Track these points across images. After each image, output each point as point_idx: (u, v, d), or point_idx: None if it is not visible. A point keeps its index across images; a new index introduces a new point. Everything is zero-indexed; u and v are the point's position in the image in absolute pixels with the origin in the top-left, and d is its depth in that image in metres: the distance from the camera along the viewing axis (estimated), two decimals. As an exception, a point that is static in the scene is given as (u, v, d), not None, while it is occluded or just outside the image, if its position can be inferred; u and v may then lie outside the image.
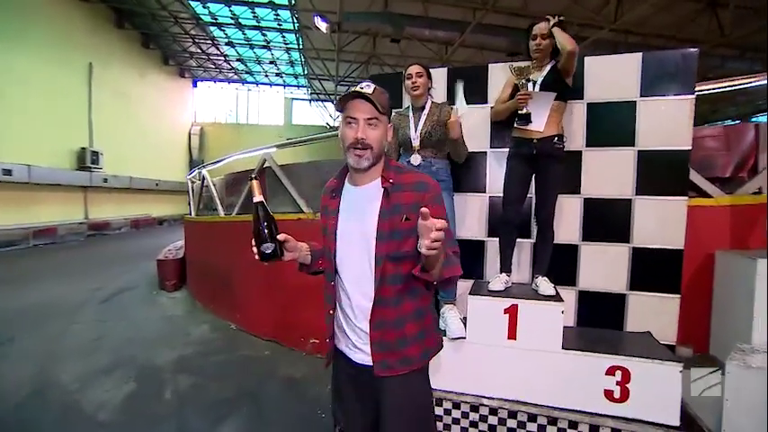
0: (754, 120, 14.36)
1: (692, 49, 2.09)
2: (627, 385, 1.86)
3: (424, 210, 0.93)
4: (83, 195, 12.58)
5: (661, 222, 2.16)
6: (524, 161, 2.15)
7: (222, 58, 17.60)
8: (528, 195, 2.25)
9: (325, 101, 18.42)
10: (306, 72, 16.13)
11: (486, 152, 2.51)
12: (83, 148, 12.32)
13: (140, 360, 3.43)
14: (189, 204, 6.45)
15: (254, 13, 12.84)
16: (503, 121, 2.29)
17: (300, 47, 13.29)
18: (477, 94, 2.47)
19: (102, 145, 12.95)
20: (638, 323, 2.22)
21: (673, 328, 2.16)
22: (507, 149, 2.28)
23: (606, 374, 1.89)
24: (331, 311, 1.26)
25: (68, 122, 11.91)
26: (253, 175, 1.15)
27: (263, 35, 14.68)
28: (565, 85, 2.07)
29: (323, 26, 8.45)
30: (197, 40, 15.56)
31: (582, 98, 2.26)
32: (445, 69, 2.59)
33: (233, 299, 4.38)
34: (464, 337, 2.07)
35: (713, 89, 2.56)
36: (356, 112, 1.12)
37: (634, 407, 1.85)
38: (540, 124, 2.07)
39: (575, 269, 2.34)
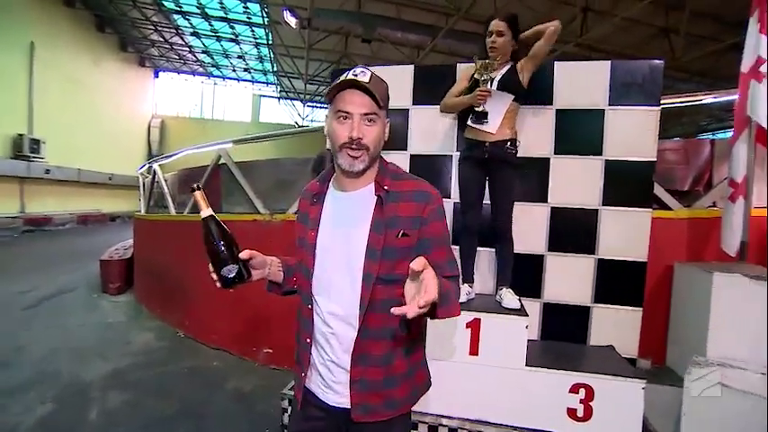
0: (700, 138, 15.52)
1: (657, 61, 2.07)
2: (590, 403, 1.78)
3: (415, 265, 0.72)
4: (18, 187, 11.38)
5: (626, 234, 2.12)
6: (476, 164, 2.04)
7: (187, 48, 16.77)
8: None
9: (294, 99, 17.99)
10: (275, 69, 15.67)
11: (451, 155, 2.39)
12: (20, 135, 11.11)
13: (65, 375, 3.01)
14: (139, 201, 5.97)
15: (222, 3, 12.30)
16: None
17: (270, 42, 12.86)
18: (444, 94, 2.34)
19: (44, 133, 11.79)
20: (602, 336, 2.17)
21: (635, 341, 2.12)
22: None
23: (570, 392, 1.80)
24: (308, 340, 1.02)
25: (3, 106, 10.71)
26: (195, 185, 0.96)
27: (232, 27, 14.11)
28: (520, 87, 1.99)
29: (292, 21, 8.16)
30: (159, 28, 14.69)
31: (551, 104, 2.19)
32: (411, 68, 2.45)
33: (183, 304, 4.03)
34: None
35: (672, 103, 2.59)
36: (350, 105, 0.91)
37: (597, 425, 1.78)
38: (494, 126, 1.97)
39: (540, 280, 2.26)
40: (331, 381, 0.99)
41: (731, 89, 2.36)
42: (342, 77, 0.91)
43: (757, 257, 2.23)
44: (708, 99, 2.42)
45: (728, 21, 7.73)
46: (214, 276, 0.93)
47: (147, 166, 5.41)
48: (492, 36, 1.95)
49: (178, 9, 12.79)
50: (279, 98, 19.40)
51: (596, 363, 1.92)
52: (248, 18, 13.04)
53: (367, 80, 0.89)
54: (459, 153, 2.36)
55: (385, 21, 8.59)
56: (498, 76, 1.98)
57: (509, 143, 1.98)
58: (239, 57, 17.16)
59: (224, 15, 13.12)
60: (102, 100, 15.25)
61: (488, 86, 1.92)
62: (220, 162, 3.68)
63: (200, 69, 19.70)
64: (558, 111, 2.19)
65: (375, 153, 0.95)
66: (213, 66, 19.04)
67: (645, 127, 2.08)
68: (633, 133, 2.09)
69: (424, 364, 1.09)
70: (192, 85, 20.64)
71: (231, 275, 0.92)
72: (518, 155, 2.02)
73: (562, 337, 2.22)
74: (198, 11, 12.80)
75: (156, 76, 20.02)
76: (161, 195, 4.89)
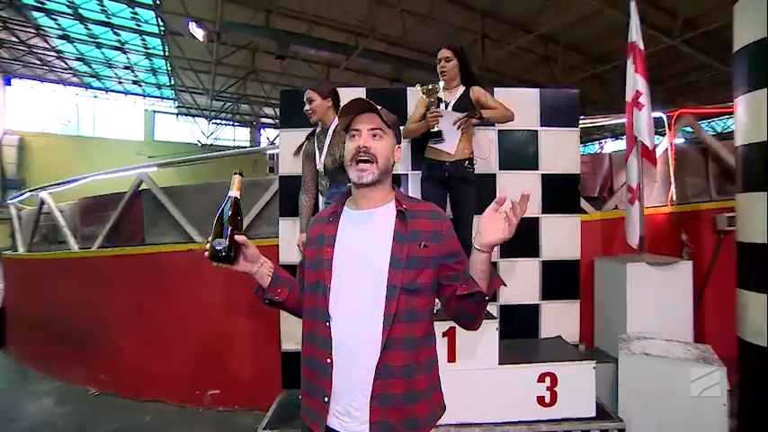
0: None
1: (574, 90, 2.49)
2: (555, 389, 2.04)
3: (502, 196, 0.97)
4: None
5: (562, 237, 2.48)
6: (437, 183, 2.22)
7: (53, 53, 14.30)
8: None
9: (197, 116, 16.65)
10: (173, 83, 14.36)
11: (407, 174, 2.53)
12: None
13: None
14: (12, 237, 4.94)
15: (103, 6, 10.86)
16: (421, 146, 2.33)
17: (167, 54, 11.78)
18: (396, 116, 2.48)
19: None
20: (550, 329, 2.48)
21: (576, 329, 2.48)
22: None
23: (538, 382, 2.03)
24: (329, 360, 0.99)
25: None
26: (238, 170, 1.03)
27: (116, 34, 12.53)
28: (475, 110, 2.21)
29: (199, 34, 7.64)
30: (10, 25, 12.21)
31: (494, 125, 2.48)
32: (363, 90, 2.55)
33: (95, 355, 3.43)
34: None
35: (585, 125, 3.13)
36: (359, 123, 1.04)
37: (561, 407, 2.03)
38: (452, 145, 2.15)
39: (495, 285, 2.50)
40: (348, 405, 0.97)
41: (594, 111, 2.95)
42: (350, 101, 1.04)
43: (650, 247, 2.78)
44: (607, 121, 2.99)
45: (590, 54, 9.49)
46: (206, 245, 0.97)
47: (28, 194, 4.53)
48: (441, 62, 2.16)
49: (39, 5, 10.80)
50: (177, 114, 17.74)
51: (553, 352, 2.20)
52: (138, 25, 11.75)
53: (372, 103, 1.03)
54: (412, 172, 2.53)
55: (298, 37, 8.57)
56: (452, 100, 2.18)
57: (467, 162, 2.18)
58: (126, 67, 15.29)
59: (105, 20, 11.59)
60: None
61: (438, 108, 2.10)
62: (141, 188, 3.29)
63: (74, 79, 16.97)
64: (499, 131, 2.49)
65: (384, 167, 1.03)
66: (92, 76, 16.58)
67: (569, 145, 2.48)
68: (560, 150, 2.49)
69: (440, 385, 1.10)
70: (61, 97, 17.67)
71: (218, 248, 0.96)
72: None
73: (517, 334, 2.47)
74: (69, 11, 11.04)
75: (7, 83, 16.58)
76: (53, 229, 4.13)
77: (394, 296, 0.96)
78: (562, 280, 2.49)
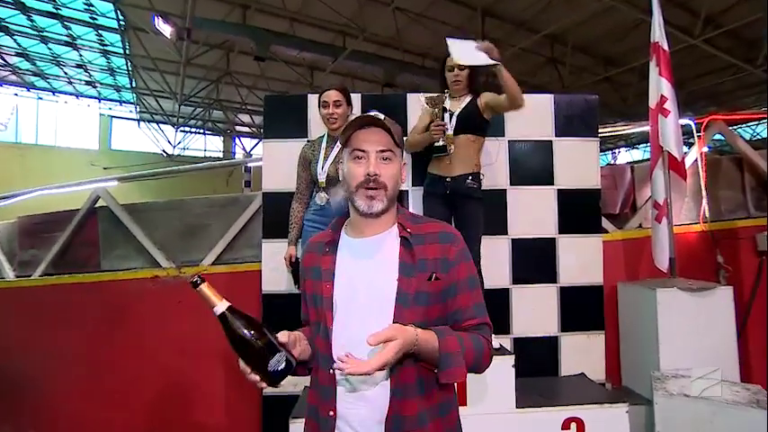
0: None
1: (592, 96, 2.55)
2: (582, 437, 2.00)
3: (371, 339, 0.86)
4: None
5: (582, 259, 2.50)
6: (440, 200, 2.24)
7: (-12, 48, 14.11)
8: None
9: (162, 123, 16.55)
10: (134, 85, 14.33)
11: (408, 191, 2.55)
12: None
13: None
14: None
15: (51, -6, 10.77)
16: (422, 159, 2.35)
17: (127, 52, 11.79)
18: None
19: None
20: (571, 365, 2.46)
21: (601, 365, 2.46)
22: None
23: (562, 429, 1.99)
24: (332, 413, 0.97)
25: None
26: (197, 278, 0.87)
27: (66, 28, 12.48)
28: (483, 120, 2.26)
29: (167, 30, 7.67)
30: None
31: (503, 135, 2.51)
32: (359, 96, 2.58)
33: (26, 407, 3.25)
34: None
35: (605, 134, 3.20)
36: (365, 143, 0.99)
37: (590, 458, 1.99)
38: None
39: (508, 315, 2.49)
40: None
41: (607, 116, 3.03)
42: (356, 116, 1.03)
43: (681, 270, 2.81)
44: (630, 129, 3.07)
45: (600, 56, 9.82)
46: (255, 377, 0.87)
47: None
48: (454, 70, 2.19)
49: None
50: (139, 120, 17.62)
51: (578, 393, 2.18)
52: (93, 18, 11.75)
53: (382, 118, 0.99)
54: (413, 188, 2.54)
55: (281, 37, 8.68)
56: (458, 110, 2.21)
57: (470, 177, 2.20)
58: (78, 66, 15.23)
59: (53, 11, 11.50)
60: None
61: (443, 119, 2.13)
62: (98, 205, 3.22)
63: (13, 77, 16.73)
64: (509, 142, 2.53)
65: (393, 194, 1.02)
66: (36, 75, 16.40)
67: (587, 156, 2.53)
68: (578, 163, 2.53)
69: (459, 427, 1.09)
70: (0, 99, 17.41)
71: (281, 367, 0.88)
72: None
73: (534, 371, 2.45)
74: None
75: (-76, 79, 16.24)
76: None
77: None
78: (584, 308, 2.49)
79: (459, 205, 2.21)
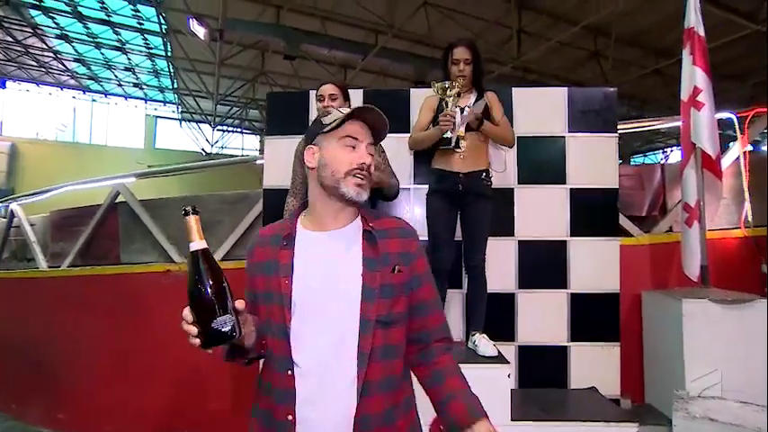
0: (633, 160, 17.87)
1: (610, 89, 2.39)
2: (584, 456, 1.87)
3: None
4: None
5: (596, 264, 2.34)
6: (448, 198, 2.15)
7: (50, 54, 15.30)
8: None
9: (201, 122, 17.32)
10: (176, 86, 15.05)
11: (409, 188, 2.48)
12: None
13: None
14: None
15: (103, 3, 11.59)
16: (426, 154, 2.28)
17: (169, 54, 12.40)
18: (397, 121, 2.47)
19: None
20: (582, 377, 2.31)
21: (616, 379, 2.30)
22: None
23: (562, 446, 1.87)
24: (290, 417, 0.93)
25: None
26: (188, 208, 0.84)
27: (117, 33, 13.32)
28: (492, 118, 2.16)
29: (201, 32, 7.99)
30: (5, 25, 13.15)
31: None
32: (360, 92, 2.55)
33: (54, 390, 3.49)
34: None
35: (626, 130, 3.00)
36: (360, 133, 1.02)
37: (592, 481, 1.86)
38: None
39: (512, 321, 2.38)
40: None
41: (656, 112, 2.81)
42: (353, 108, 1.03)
43: (716, 280, 2.58)
44: (658, 125, 2.86)
45: (649, 47, 9.25)
46: (193, 329, 0.81)
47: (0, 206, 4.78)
48: (460, 64, 2.10)
49: (37, 3, 11.64)
50: (180, 120, 18.54)
51: (583, 409, 2.04)
52: (140, 24, 12.46)
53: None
54: (415, 185, 2.47)
55: (310, 36, 8.81)
56: (467, 105, 2.11)
57: (484, 174, 2.11)
58: (127, 69, 16.18)
59: (105, 18, 12.33)
60: None
61: (452, 109, 2.03)
62: (118, 200, 3.38)
63: (72, 81, 18.07)
64: (518, 138, 2.40)
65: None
66: (91, 78, 17.59)
67: (605, 154, 2.37)
68: (594, 160, 2.37)
69: (419, 424, 1.08)
70: (58, 101, 18.82)
71: (224, 329, 0.81)
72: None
73: (541, 382, 2.33)
74: (68, 9, 11.82)
75: (2, 86, 17.85)
76: (22, 245, 4.30)
77: (368, 332, 0.93)
78: (597, 318, 2.32)
79: (469, 203, 2.12)
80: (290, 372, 0.94)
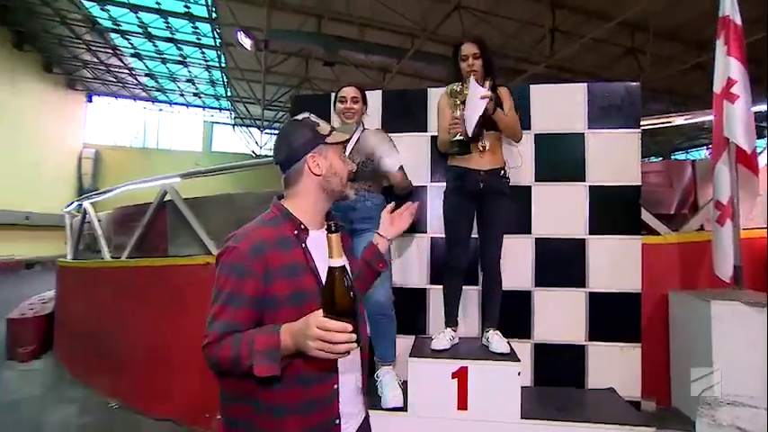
0: (674, 156, 16.67)
1: (633, 83, 2.20)
2: (595, 459, 1.74)
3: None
4: None
5: (617, 263, 2.17)
6: (468, 196, 2.05)
7: (126, 71, 16.43)
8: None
9: (251, 126, 17.94)
10: (229, 94, 15.66)
11: (426, 186, 2.41)
12: None
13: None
14: (66, 245, 5.60)
15: (168, 23, 12.28)
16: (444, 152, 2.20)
17: (222, 65, 12.90)
18: (415, 120, 2.40)
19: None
20: (601, 378, 2.16)
21: (636, 381, 2.12)
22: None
23: (572, 448, 1.75)
24: (336, 386, 1.03)
25: None
26: (332, 224, 0.88)
27: (179, 49, 14.06)
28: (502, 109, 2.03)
29: (247, 43, 8.25)
30: (92, 48, 14.31)
31: (529, 129, 2.27)
32: (379, 93, 2.50)
33: (116, 367, 3.71)
34: (403, 409, 1.83)
35: (649, 125, 2.76)
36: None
37: (605, 484, 1.72)
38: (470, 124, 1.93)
39: (528, 319, 2.25)
40: (351, 413, 1.08)
41: (697, 107, 2.56)
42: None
43: (752, 282, 2.33)
44: (680, 120, 2.61)
45: (690, 41, 8.56)
46: (354, 336, 0.87)
47: (77, 204, 5.13)
48: (469, 59, 2.00)
49: (116, 27, 12.57)
50: (233, 125, 19.29)
51: (598, 410, 1.90)
52: (198, 39, 13.05)
53: None
54: (432, 183, 2.39)
55: (347, 42, 8.85)
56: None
57: (502, 171, 2.02)
58: (188, 80, 17.03)
59: (170, 36, 13.07)
60: (15, 126, 14.35)
61: (461, 111, 1.95)
62: (166, 199, 3.53)
63: (143, 94, 19.30)
64: (536, 135, 2.27)
65: None
66: (158, 90, 18.74)
67: (627, 150, 2.18)
68: (615, 157, 2.19)
69: None
70: (132, 112, 20.15)
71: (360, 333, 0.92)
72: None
73: (557, 381, 2.19)
74: (140, 30, 12.66)
75: (90, 100, 19.35)
76: (93, 238, 4.61)
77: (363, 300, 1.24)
78: (617, 317, 2.15)
79: (490, 201, 2.03)
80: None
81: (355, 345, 0.87)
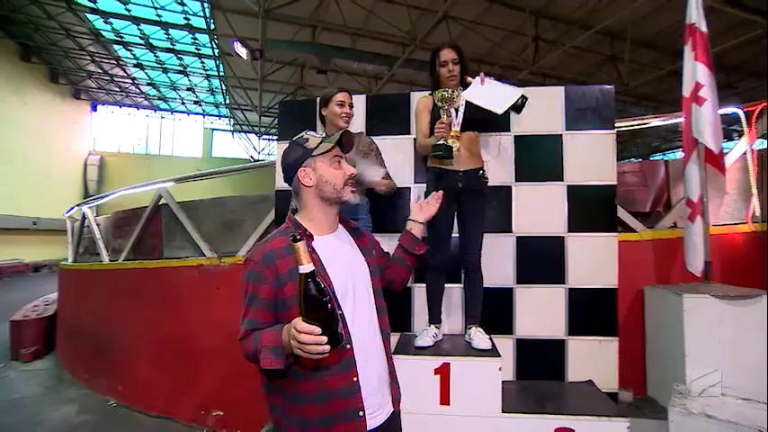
0: (652, 158, 16.79)
1: (608, 86, 2.19)
2: (575, 449, 1.71)
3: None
4: None
5: (594, 260, 2.15)
6: (448, 196, 2.00)
7: (129, 80, 16.33)
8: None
9: (249, 132, 17.85)
10: (227, 101, 15.57)
11: (410, 187, 2.38)
12: None
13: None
14: (67, 248, 5.51)
15: (168, 34, 12.21)
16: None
17: (221, 74, 12.83)
18: (399, 124, 2.38)
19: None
20: (580, 371, 2.13)
21: (614, 373, 2.11)
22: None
23: (551, 439, 1.72)
24: (355, 379, 1.08)
25: None
26: (295, 235, 0.92)
27: (179, 59, 13.98)
28: (491, 114, 1.99)
29: (243, 53, 8.19)
30: (96, 59, 14.22)
31: (509, 130, 2.25)
32: (363, 97, 2.46)
33: (114, 366, 3.64)
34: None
35: (624, 127, 2.76)
36: (339, 152, 1.18)
37: (582, 475, 1.70)
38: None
39: (511, 315, 2.23)
40: (377, 402, 1.14)
41: (675, 112, 2.56)
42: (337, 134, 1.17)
43: (721, 276, 2.32)
44: (655, 122, 2.62)
45: (666, 49, 8.63)
46: (324, 339, 0.89)
47: (76, 208, 5.05)
48: (449, 65, 1.97)
49: (118, 39, 12.51)
50: (232, 132, 19.19)
51: (577, 402, 1.87)
52: (197, 49, 12.98)
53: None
54: (416, 184, 2.36)
55: (339, 51, 8.82)
56: (462, 107, 1.97)
57: (481, 171, 1.99)
58: (188, 89, 16.93)
59: (171, 47, 12.99)
60: (23, 135, 14.20)
61: (450, 116, 1.89)
62: (161, 203, 3.47)
63: (145, 102, 19.19)
64: (516, 137, 2.25)
65: None
66: (160, 98, 18.62)
67: (602, 151, 2.16)
68: (592, 157, 2.17)
69: None
70: (135, 120, 20.01)
71: (341, 332, 0.92)
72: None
73: (538, 375, 2.17)
74: (141, 41, 12.59)
75: (95, 109, 19.22)
76: (92, 241, 4.53)
77: (380, 296, 1.23)
78: (595, 312, 2.13)
79: (468, 200, 2.00)
80: (348, 346, 1.08)
81: (327, 347, 0.88)
